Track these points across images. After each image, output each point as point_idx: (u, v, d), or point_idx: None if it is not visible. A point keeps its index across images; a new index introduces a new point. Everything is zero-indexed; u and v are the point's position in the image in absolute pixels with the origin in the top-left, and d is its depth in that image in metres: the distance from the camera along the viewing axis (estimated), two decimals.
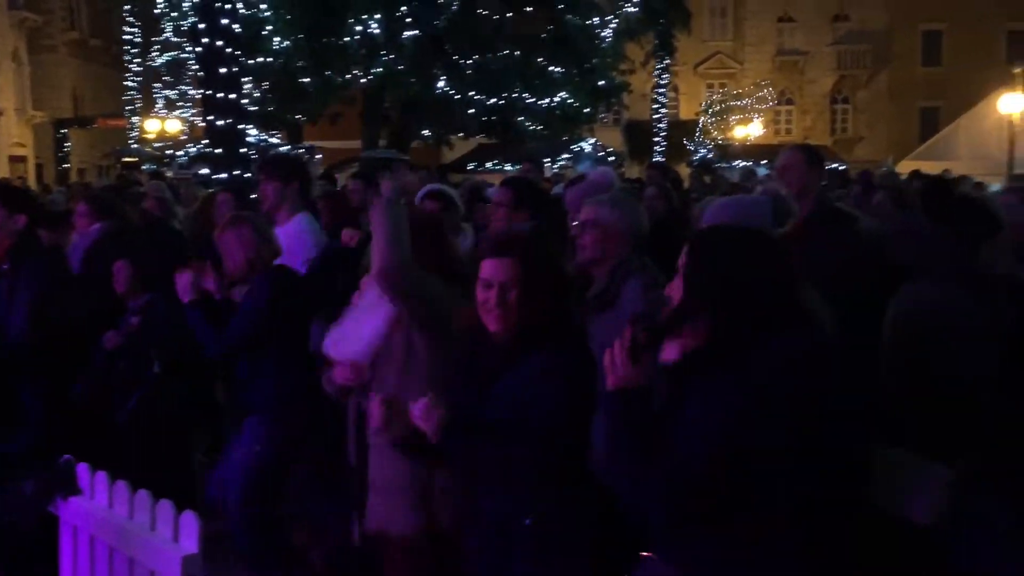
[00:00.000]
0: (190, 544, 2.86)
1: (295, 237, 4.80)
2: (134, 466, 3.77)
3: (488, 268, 2.67)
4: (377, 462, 3.26)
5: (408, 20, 16.99)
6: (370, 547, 3.39)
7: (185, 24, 19.60)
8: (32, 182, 29.15)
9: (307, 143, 23.14)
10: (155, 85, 30.97)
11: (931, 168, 20.56)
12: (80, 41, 36.41)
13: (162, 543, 2.92)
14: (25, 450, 4.02)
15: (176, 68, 26.45)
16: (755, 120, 37.08)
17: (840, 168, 26.89)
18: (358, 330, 3.32)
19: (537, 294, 2.63)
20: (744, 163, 28.43)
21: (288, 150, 20.47)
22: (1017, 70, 23.27)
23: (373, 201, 3.25)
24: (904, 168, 24.25)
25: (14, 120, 32.19)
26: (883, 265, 4.92)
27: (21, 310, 4.07)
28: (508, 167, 22.58)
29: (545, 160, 22.86)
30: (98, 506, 3.24)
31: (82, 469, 3.35)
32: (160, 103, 31.81)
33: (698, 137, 35.26)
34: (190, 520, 2.87)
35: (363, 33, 16.93)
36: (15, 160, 32.03)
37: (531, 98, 20.27)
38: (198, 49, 10.26)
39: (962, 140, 25.11)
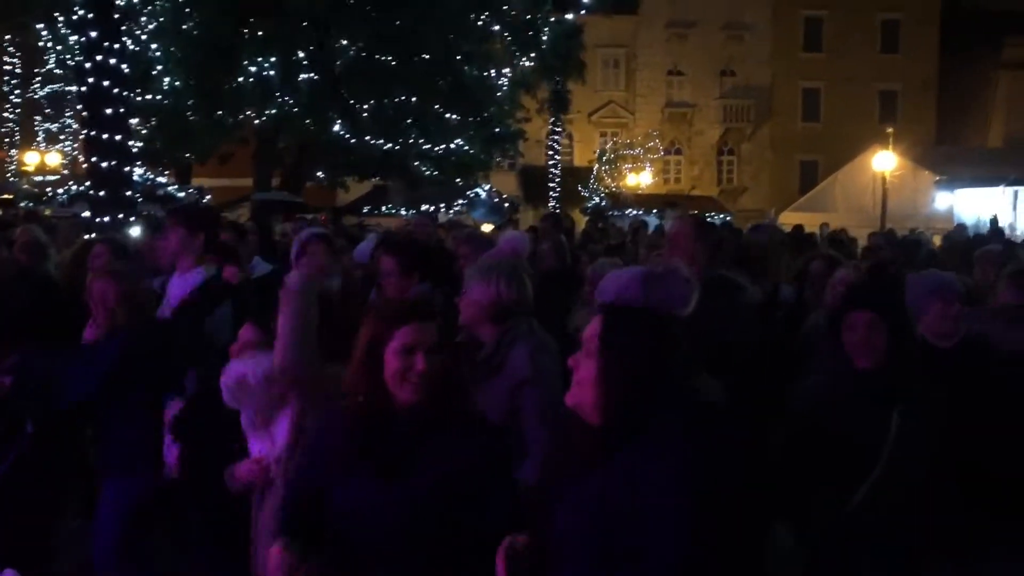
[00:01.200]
0: None
1: (190, 289, 4.70)
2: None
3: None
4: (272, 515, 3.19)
5: (304, 63, 16.88)
6: None
7: (69, 57, 19.00)
8: None
9: (196, 185, 22.63)
10: (36, 117, 29.93)
11: (810, 219, 21.56)
12: None
13: None
14: None
15: (58, 100, 25.59)
16: (646, 169, 38.12)
17: (726, 219, 27.94)
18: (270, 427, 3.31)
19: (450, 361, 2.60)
20: (635, 212, 29.21)
21: (176, 190, 19.98)
22: (889, 130, 24.64)
23: (283, 293, 3.19)
24: (786, 220, 25.37)
25: None
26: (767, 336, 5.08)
27: None
28: (403, 212, 22.59)
29: (440, 205, 22.99)
30: None
31: None
32: (41, 135, 30.74)
33: (592, 184, 36.04)
34: None
35: (257, 75, 16.71)
36: None
37: (427, 144, 20.37)
38: (82, 88, 9.93)
39: (839, 193, 26.44)
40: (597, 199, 34.60)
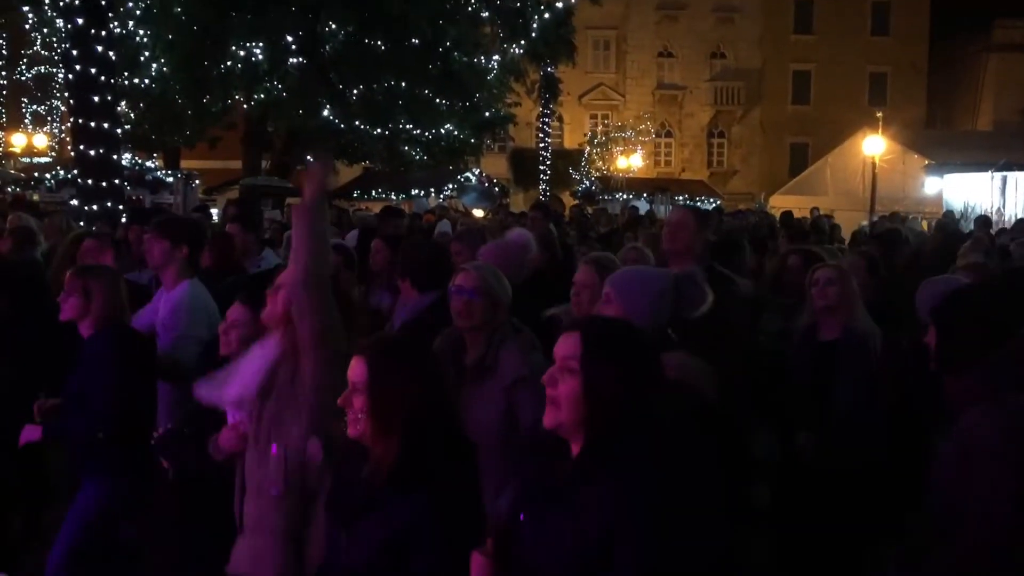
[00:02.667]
0: None
1: (176, 308, 4.60)
2: None
3: None
4: (252, 505, 3.19)
5: (292, 48, 16.77)
6: None
7: (56, 40, 18.83)
8: None
9: (184, 168, 22.53)
10: (23, 99, 29.69)
11: (800, 203, 21.59)
12: None
13: None
14: None
15: (45, 82, 25.41)
16: (637, 152, 38.08)
17: (715, 203, 27.96)
18: (241, 370, 3.25)
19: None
20: (625, 196, 29.21)
21: (164, 174, 19.88)
22: (879, 114, 24.64)
23: (297, 208, 3.15)
24: (776, 203, 25.43)
25: None
26: (757, 330, 5.13)
27: None
28: (393, 196, 22.54)
29: (430, 190, 22.95)
30: None
31: None
32: (28, 117, 30.51)
33: (583, 167, 36.01)
34: None
35: (245, 60, 16.60)
36: None
37: (416, 129, 20.29)
38: (70, 76, 9.86)
39: (829, 177, 26.45)
40: (587, 182, 34.59)
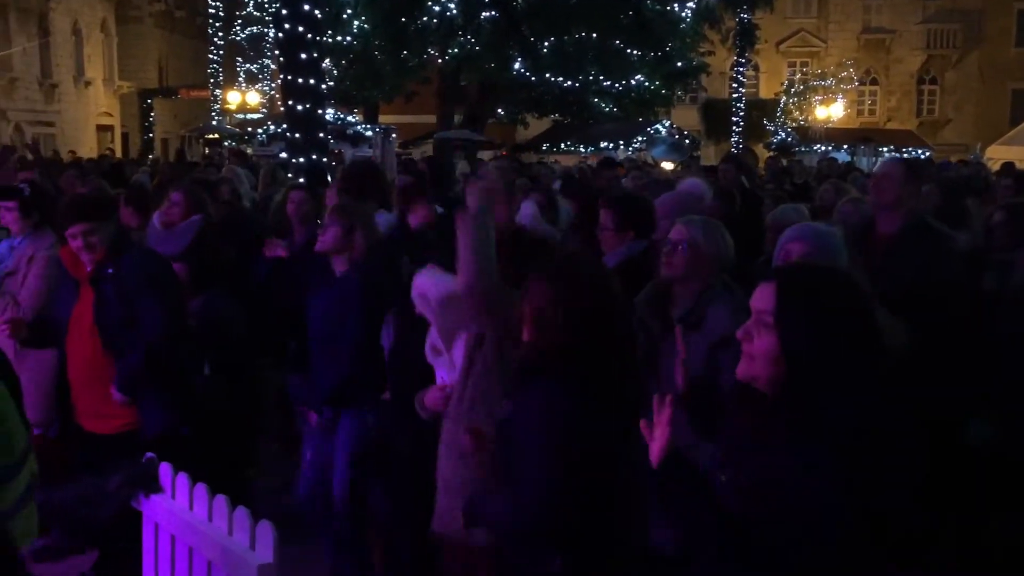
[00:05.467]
0: (266, 553, 2.96)
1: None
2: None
3: None
4: (455, 465, 3.29)
5: (486, 1, 16.97)
6: (434, 548, 3.46)
7: (267, 0, 19.90)
8: (119, 151, 30.09)
9: (383, 123, 23.38)
10: (237, 58, 31.60)
11: (1022, 154, 19.85)
12: (166, 12, 37.19)
13: (239, 550, 3.03)
14: (156, 436, 4.11)
15: (257, 42, 26.89)
16: (838, 101, 36.17)
17: (924, 155, 26.18)
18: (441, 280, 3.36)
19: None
20: (824, 147, 27.84)
21: (364, 128, 20.71)
22: None
23: (458, 218, 3.21)
24: (993, 154, 23.49)
25: (102, 90, 33.14)
26: (977, 291, 4.75)
27: (152, 306, 4.12)
28: (582, 148, 22.51)
29: (619, 143, 22.74)
30: (179, 507, 3.37)
31: (164, 469, 3.49)
32: (242, 75, 32.46)
33: (779, 118, 34.58)
34: (266, 530, 2.98)
35: (440, 15, 16.96)
36: (102, 129, 33.04)
37: (606, 81, 20.11)
38: (279, 35, 10.38)
39: None
40: (783, 134, 33.20)
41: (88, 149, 28.06)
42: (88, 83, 31.79)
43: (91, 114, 32.19)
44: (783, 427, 1.93)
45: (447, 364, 3.45)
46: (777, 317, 1.95)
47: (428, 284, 3.41)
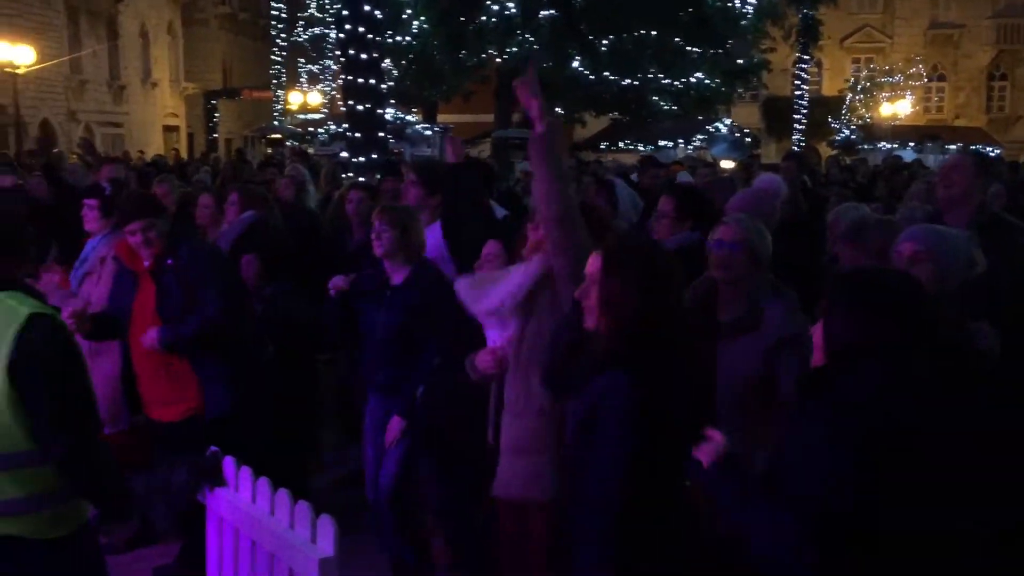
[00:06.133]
0: (327, 546, 2.99)
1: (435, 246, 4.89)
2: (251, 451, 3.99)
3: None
4: (515, 426, 3.26)
5: (544, 0, 16.97)
6: (497, 516, 3.43)
7: (328, 1, 20.13)
8: (183, 151, 30.74)
9: (441, 122, 23.50)
10: (299, 59, 32.05)
11: None
12: (230, 15, 37.89)
13: (301, 543, 3.06)
14: (218, 417, 4.27)
15: (319, 42, 27.23)
16: (905, 97, 35.39)
17: (995, 153, 25.50)
18: (500, 285, 3.32)
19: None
20: (889, 145, 27.25)
21: (423, 128, 20.85)
22: None
23: (530, 142, 3.15)
24: None
25: (168, 91, 33.88)
26: None
27: (211, 291, 4.24)
28: (640, 147, 22.37)
29: (678, 141, 22.56)
30: (242, 500, 3.41)
31: (228, 462, 3.55)
32: (303, 76, 32.91)
33: (844, 115, 33.97)
34: (327, 523, 3.01)
35: (499, 14, 16.99)
36: (168, 129, 33.79)
37: (665, 79, 19.94)
38: (341, 35, 10.52)
39: None
40: (847, 131, 32.60)
41: (155, 149, 28.72)
42: (155, 84, 32.52)
43: (158, 115, 32.92)
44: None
45: (498, 324, 3.40)
46: (824, 313, 2.08)
47: (477, 300, 3.40)
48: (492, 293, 3.30)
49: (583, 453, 2.48)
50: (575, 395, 2.60)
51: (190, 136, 35.27)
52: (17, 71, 20.94)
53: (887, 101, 34.82)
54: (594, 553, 2.41)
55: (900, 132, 32.00)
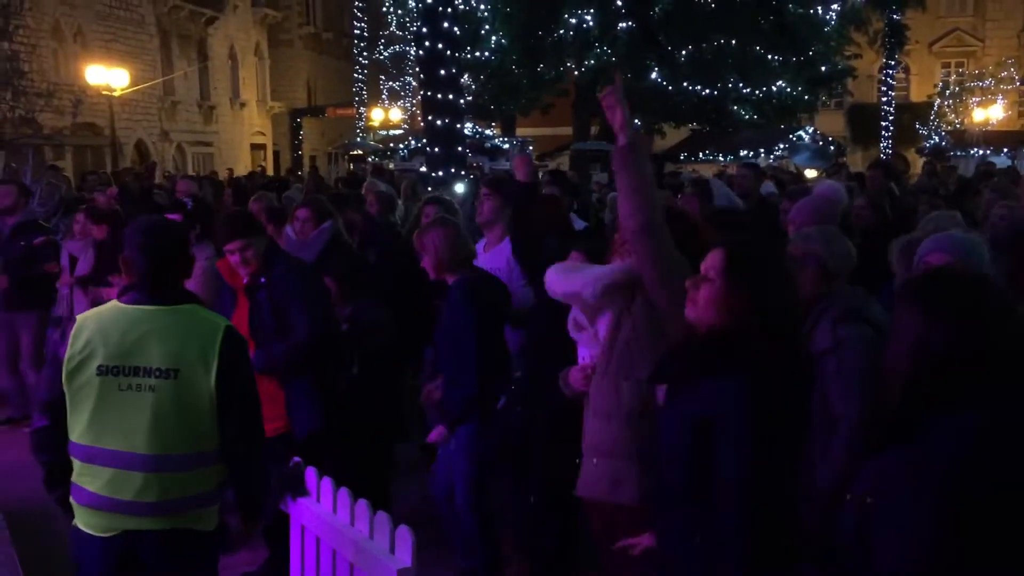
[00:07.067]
0: (405, 557, 3.04)
1: (497, 264, 4.93)
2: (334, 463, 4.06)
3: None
4: (603, 430, 3.24)
5: (622, 12, 16.93)
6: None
7: (408, 19, 20.45)
8: (270, 168, 31.52)
9: (520, 136, 23.64)
10: (380, 76, 32.62)
11: None
12: (314, 35, 38.79)
13: (379, 553, 3.12)
14: (306, 437, 4.36)
15: (400, 60, 27.64)
16: (998, 102, 34.17)
17: None
18: (588, 271, 3.32)
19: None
20: (982, 151, 26.35)
21: (502, 142, 21.00)
22: None
23: (615, 153, 3.13)
24: None
25: (255, 110, 34.84)
26: None
27: (301, 312, 4.33)
28: (720, 157, 22.10)
29: (760, 150, 22.21)
30: (324, 510, 3.50)
31: (310, 473, 3.64)
32: (385, 93, 33.48)
33: (933, 122, 32.99)
34: (405, 534, 3.06)
35: (577, 27, 17.03)
36: (256, 147, 34.74)
37: (746, 88, 19.68)
38: (420, 52, 10.69)
39: None
40: (937, 138, 31.65)
41: (243, 167, 29.55)
42: (243, 104, 33.48)
43: (245, 133, 33.88)
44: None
45: (589, 339, 3.40)
46: (913, 318, 1.93)
47: (562, 280, 3.41)
48: (578, 277, 3.32)
49: (697, 457, 2.44)
50: (681, 393, 2.56)
51: (276, 154, 36.18)
52: (113, 94, 21.80)
53: (978, 106, 33.67)
54: (731, 553, 2.38)
55: (993, 138, 30.89)
